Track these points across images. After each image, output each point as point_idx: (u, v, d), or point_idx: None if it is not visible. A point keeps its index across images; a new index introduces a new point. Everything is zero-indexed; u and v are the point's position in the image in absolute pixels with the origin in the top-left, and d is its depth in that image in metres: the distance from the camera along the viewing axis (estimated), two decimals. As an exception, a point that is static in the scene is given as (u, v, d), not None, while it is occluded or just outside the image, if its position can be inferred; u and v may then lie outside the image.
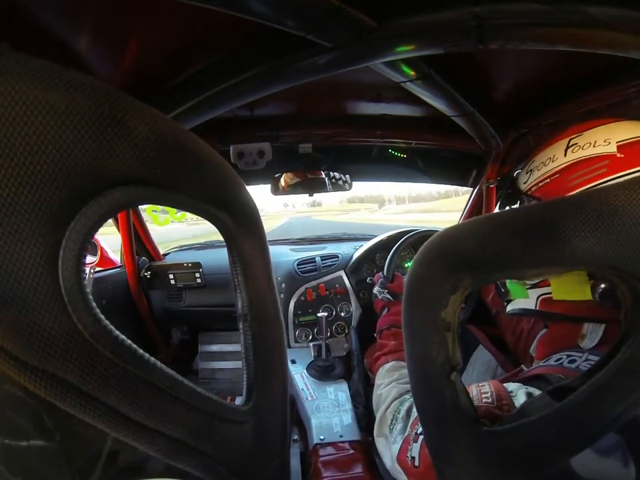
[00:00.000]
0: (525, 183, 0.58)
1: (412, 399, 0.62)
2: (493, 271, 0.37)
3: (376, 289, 1.01)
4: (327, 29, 0.55)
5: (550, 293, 0.53)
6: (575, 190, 0.49)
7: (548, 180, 0.53)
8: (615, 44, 0.56)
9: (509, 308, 0.63)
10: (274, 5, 0.49)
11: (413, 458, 0.52)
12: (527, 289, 0.58)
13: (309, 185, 1.40)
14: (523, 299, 0.59)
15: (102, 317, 0.22)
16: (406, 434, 0.57)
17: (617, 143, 0.48)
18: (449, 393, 0.38)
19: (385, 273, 1.07)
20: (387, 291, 0.98)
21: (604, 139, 0.48)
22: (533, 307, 0.57)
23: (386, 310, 0.93)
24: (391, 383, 0.72)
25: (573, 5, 0.51)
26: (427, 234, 1.41)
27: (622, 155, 0.47)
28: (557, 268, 0.36)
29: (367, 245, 1.55)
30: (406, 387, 0.69)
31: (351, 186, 1.42)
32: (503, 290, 0.61)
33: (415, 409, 0.59)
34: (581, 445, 0.36)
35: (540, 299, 0.56)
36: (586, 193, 0.34)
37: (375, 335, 0.91)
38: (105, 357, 0.22)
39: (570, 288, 0.51)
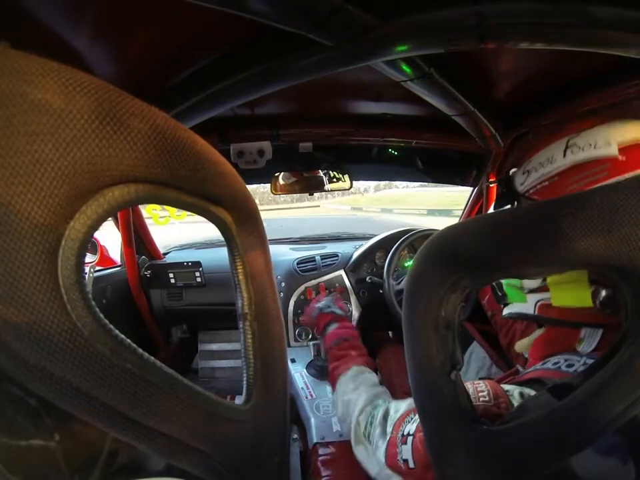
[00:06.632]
0: (522, 185, 0.55)
1: (385, 403, 0.62)
2: (492, 270, 0.37)
3: (322, 304, 1.01)
4: (327, 28, 0.55)
5: (549, 299, 0.52)
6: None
7: (547, 183, 0.51)
8: (616, 43, 0.56)
9: (506, 311, 0.61)
10: (275, 3, 0.49)
11: (406, 460, 0.51)
12: (525, 293, 0.56)
13: (307, 184, 1.39)
14: (520, 303, 0.57)
15: (101, 315, 0.22)
16: (388, 437, 0.55)
17: (618, 144, 0.46)
18: (448, 392, 0.38)
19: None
20: (336, 306, 1.00)
21: (604, 140, 0.47)
22: (532, 312, 0.55)
23: (335, 324, 0.92)
24: (358, 387, 0.70)
25: (574, 5, 0.51)
26: (427, 233, 1.41)
27: (623, 158, 0.45)
28: (557, 267, 0.35)
29: (366, 244, 1.55)
30: (375, 390, 0.68)
31: (351, 185, 1.42)
32: (500, 294, 0.60)
33: (392, 411, 0.58)
34: (581, 444, 0.36)
35: (539, 304, 0.54)
36: (587, 191, 0.34)
37: (328, 347, 0.88)
38: (104, 355, 0.22)
39: (570, 295, 0.49)
